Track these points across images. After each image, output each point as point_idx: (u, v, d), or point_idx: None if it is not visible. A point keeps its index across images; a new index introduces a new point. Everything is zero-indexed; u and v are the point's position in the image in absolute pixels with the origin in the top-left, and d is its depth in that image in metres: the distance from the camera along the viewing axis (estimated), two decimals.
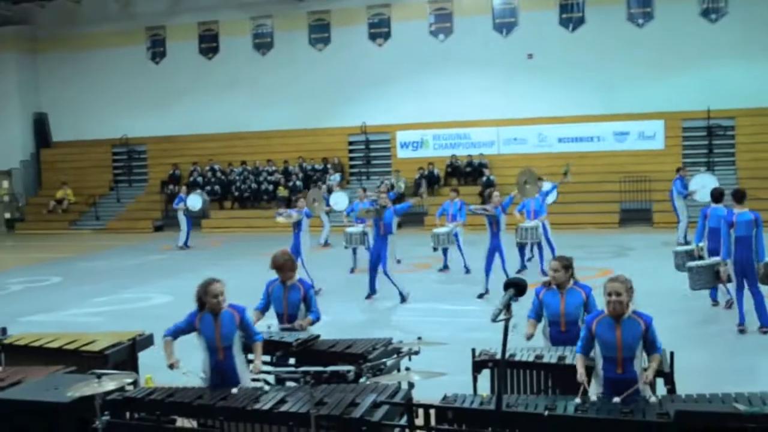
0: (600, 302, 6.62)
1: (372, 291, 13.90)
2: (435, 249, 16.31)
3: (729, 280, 10.68)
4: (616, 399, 5.49)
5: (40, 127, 32.65)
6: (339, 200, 20.58)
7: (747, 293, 10.41)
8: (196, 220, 23.89)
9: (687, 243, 13.16)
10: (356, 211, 16.44)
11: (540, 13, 26.48)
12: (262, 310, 7.85)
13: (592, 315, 6.11)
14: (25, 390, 6.20)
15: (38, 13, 31.91)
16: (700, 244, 11.75)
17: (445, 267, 16.73)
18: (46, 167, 32.57)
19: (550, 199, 19.23)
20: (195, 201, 22.33)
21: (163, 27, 30.79)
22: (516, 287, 4.07)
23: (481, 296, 13.61)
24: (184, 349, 6.70)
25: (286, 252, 7.97)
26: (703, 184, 18.59)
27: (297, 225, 14.73)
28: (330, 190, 22.32)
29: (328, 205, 19.41)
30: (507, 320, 3.94)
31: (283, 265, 7.70)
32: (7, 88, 31.66)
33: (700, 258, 11.50)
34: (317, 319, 7.72)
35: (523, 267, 16.08)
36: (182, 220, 22.47)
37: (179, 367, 6.43)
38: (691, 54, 24.80)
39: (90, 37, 31.22)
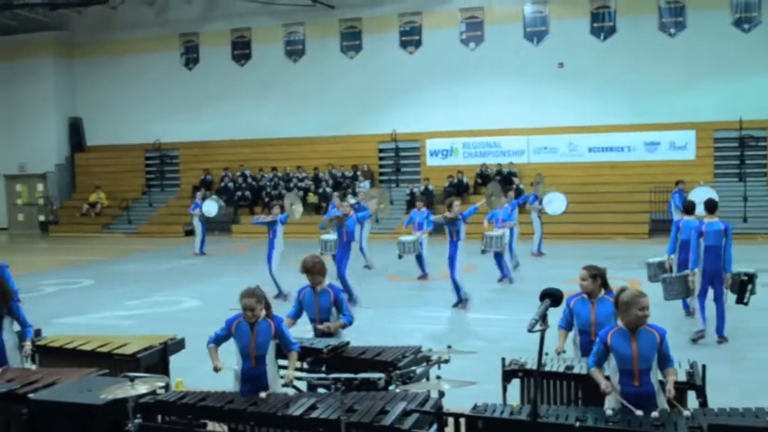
0: None
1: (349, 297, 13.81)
2: (400, 257, 16.45)
3: (695, 290, 10.73)
4: (639, 412, 5.43)
5: (75, 132, 33.08)
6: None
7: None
8: (220, 225, 24.01)
9: None
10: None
11: (571, 22, 26.42)
12: (294, 316, 7.85)
13: (606, 329, 6.02)
14: (59, 391, 6.25)
15: (75, 19, 32.35)
16: (672, 256, 11.79)
17: (424, 274, 16.92)
18: (81, 171, 32.97)
19: (560, 209, 19.23)
20: (211, 207, 22.19)
21: (197, 33, 31.08)
22: (552, 297, 4.07)
23: (455, 305, 13.68)
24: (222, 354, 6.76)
25: (316, 256, 7.97)
26: (701, 197, 18.35)
27: (272, 231, 14.87)
28: (343, 197, 22.26)
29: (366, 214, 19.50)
30: (543, 331, 3.94)
31: (312, 268, 7.69)
32: (44, 92, 32.12)
33: (671, 269, 11.62)
34: (350, 322, 7.69)
35: (504, 276, 16.30)
36: (197, 226, 22.48)
37: (222, 369, 6.50)
38: (723, 64, 24.61)
39: (125, 42, 31.61)
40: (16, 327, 7.55)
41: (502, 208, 16.13)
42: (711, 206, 10.81)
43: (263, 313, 6.51)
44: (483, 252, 16.17)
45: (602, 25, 26.15)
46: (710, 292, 10.60)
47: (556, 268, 17.19)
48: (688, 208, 11.70)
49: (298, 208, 16.02)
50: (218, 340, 6.63)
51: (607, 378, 5.79)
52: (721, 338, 10.48)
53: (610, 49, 26.01)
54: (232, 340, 6.60)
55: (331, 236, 16.16)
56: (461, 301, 13.69)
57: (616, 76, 25.50)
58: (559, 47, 26.44)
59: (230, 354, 6.67)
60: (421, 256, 16.80)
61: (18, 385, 6.45)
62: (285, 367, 6.94)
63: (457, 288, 13.66)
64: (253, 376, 6.44)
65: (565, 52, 26.35)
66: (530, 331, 4.04)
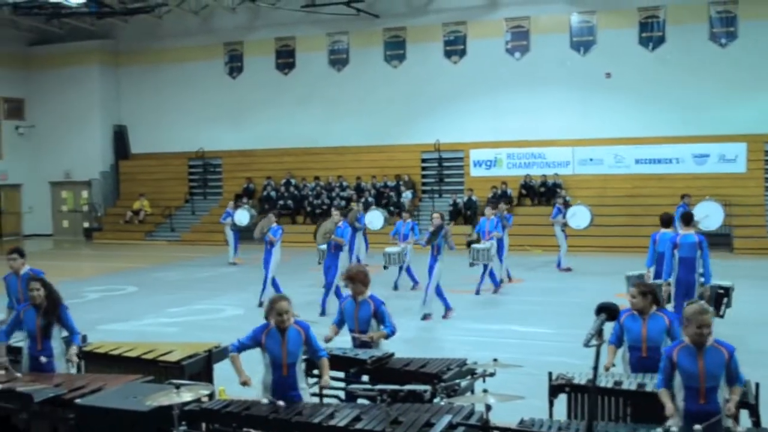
0: None
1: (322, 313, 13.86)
2: (385, 267, 16.49)
3: (669, 301, 10.75)
4: (698, 427, 5.26)
5: (120, 139, 33.45)
6: (374, 219, 20.44)
7: None
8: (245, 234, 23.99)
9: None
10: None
11: (619, 32, 26.10)
12: (338, 324, 7.83)
13: (672, 345, 5.90)
14: (105, 397, 6.27)
15: (121, 27, 32.77)
16: (651, 269, 11.88)
17: (416, 283, 16.86)
18: (125, 178, 33.33)
19: (584, 223, 18.98)
20: (242, 216, 22.02)
21: (241, 42, 31.29)
22: (608, 312, 3.95)
23: (444, 316, 13.78)
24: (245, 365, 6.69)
25: (361, 266, 7.92)
26: (707, 212, 18.11)
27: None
28: (366, 208, 22.24)
29: (362, 223, 19.58)
30: (598, 346, 3.83)
31: (355, 277, 7.64)
32: (90, 100, 32.57)
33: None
34: (392, 332, 7.61)
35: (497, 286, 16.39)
36: (229, 235, 22.35)
37: (251, 384, 6.42)
38: None
39: (170, 51, 31.95)
40: (64, 333, 7.58)
41: (489, 219, 16.34)
42: (686, 219, 11.06)
43: (292, 320, 6.48)
44: (471, 265, 16.26)
45: (651, 34, 25.78)
46: None
47: (599, 281, 16.97)
48: (665, 220, 11.76)
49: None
50: (241, 348, 6.55)
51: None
52: None
53: (659, 59, 25.63)
54: (251, 351, 6.54)
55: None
56: (448, 310, 13.87)
57: (665, 86, 25.10)
58: (607, 57, 26.11)
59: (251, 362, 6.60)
60: (408, 268, 16.95)
61: (65, 390, 6.50)
62: (317, 376, 6.88)
63: (442, 298, 13.80)
64: (284, 386, 6.38)
65: (612, 62, 26.02)
66: (586, 346, 3.92)
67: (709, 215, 18.05)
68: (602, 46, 26.34)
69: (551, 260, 20.46)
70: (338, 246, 14.60)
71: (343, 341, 7.86)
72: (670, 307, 10.74)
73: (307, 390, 6.63)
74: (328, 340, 7.54)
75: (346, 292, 8.51)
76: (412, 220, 17.47)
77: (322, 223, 15.60)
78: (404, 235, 16.82)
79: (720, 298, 10.92)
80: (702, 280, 10.82)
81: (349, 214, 18.31)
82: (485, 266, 16.12)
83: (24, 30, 32.74)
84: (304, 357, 6.72)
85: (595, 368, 3.91)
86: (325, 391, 6.95)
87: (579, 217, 19.19)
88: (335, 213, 15.25)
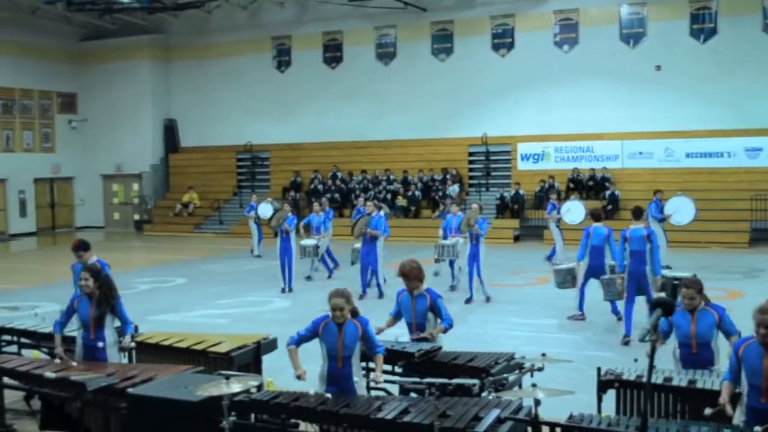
0: (741, 325, 6.37)
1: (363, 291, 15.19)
2: (437, 261, 16.45)
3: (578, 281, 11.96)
4: (758, 428, 5.18)
5: (170, 133, 33.89)
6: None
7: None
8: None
9: (668, 267, 12.88)
10: (313, 225, 18.01)
11: (669, 24, 25.70)
12: (396, 316, 7.87)
13: (741, 340, 5.80)
14: (156, 387, 6.36)
15: (171, 22, 33.16)
16: (581, 262, 12.71)
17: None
18: (174, 171, 33.76)
19: (579, 219, 18.91)
20: (266, 210, 22.00)
21: (289, 36, 31.45)
22: (664, 306, 3.89)
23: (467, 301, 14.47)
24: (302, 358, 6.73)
25: (414, 261, 7.91)
26: (678, 207, 18.19)
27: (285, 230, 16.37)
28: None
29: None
30: (654, 341, 3.78)
31: (409, 273, 7.64)
32: (141, 94, 33.05)
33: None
34: (449, 326, 7.61)
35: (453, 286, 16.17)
36: (253, 228, 22.48)
37: (306, 379, 6.47)
38: None
39: (219, 46, 32.24)
40: (117, 323, 7.71)
41: (456, 216, 16.11)
42: (637, 213, 11.66)
43: (350, 314, 6.51)
44: (436, 261, 16.21)
45: (702, 26, 25.33)
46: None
47: None
48: (636, 213, 11.90)
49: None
50: (300, 341, 6.59)
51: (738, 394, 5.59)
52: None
53: (711, 51, 25.18)
54: (310, 343, 6.58)
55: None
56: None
57: (717, 79, 24.65)
58: (657, 49, 25.72)
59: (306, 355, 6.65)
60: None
61: (117, 379, 6.60)
62: (372, 370, 6.91)
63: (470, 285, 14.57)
64: (338, 377, 6.42)
65: (662, 55, 25.62)
66: (641, 340, 3.89)
67: (680, 210, 18.18)
68: (652, 39, 25.95)
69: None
70: (373, 237, 15.29)
71: (392, 333, 7.86)
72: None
73: (360, 383, 6.66)
74: (380, 331, 7.57)
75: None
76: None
77: (358, 221, 15.99)
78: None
79: (675, 289, 10.96)
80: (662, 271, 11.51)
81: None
82: (452, 262, 16.01)
83: (77, 26, 33.31)
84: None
85: (650, 364, 3.86)
86: (380, 385, 6.96)
87: (574, 212, 19.02)
88: (369, 204, 16.44)
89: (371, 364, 7.11)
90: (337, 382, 6.40)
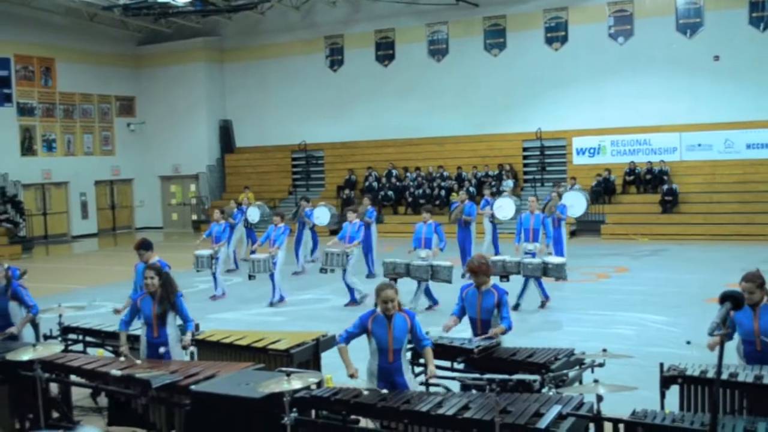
0: None
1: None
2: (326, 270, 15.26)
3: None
4: None
5: (225, 134, 34.28)
6: (321, 215, 20.45)
7: None
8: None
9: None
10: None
11: (727, 12, 25.13)
12: (459, 315, 7.79)
13: None
14: (219, 384, 6.46)
15: (225, 24, 33.52)
16: (518, 245, 14.23)
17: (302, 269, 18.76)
18: (230, 171, 34.12)
19: (509, 215, 18.83)
20: (254, 213, 21.84)
21: (342, 35, 31.57)
22: (733, 300, 3.81)
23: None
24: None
25: (482, 256, 7.91)
26: (572, 201, 18.80)
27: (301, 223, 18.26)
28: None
29: (310, 219, 19.92)
30: (723, 335, 3.71)
31: (478, 269, 7.61)
32: (197, 96, 33.48)
33: None
34: (509, 327, 7.56)
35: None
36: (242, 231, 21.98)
37: (359, 377, 6.50)
38: None
39: (272, 46, 32.51)
40: (179, 321, 7.84)
41: (352, 223, 15.20)
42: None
43: (397, 307, 6.52)
44: (321, 270, 15.34)
45: (762, 14, 24.70)
46: None
47: (707, 270, 16.56)
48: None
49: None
50: (349, 338, 6.64)
51: None
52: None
53: None
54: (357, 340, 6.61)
55: (205, 251, 16.40)
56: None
57: None
58: (715, 39, 25.18)
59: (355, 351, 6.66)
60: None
61: (181, 376, 6.71)
62: (422, 365, 6.90)
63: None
64: (389, 372, 6.45)
65: (721, 45, 25.07)
66: (710, 335, 3.83)
67: (574, 204, 18.86)
68: (710, 28, 25.42)
69: (658, 248, 20.09)
70: (467, 222, 17.12)
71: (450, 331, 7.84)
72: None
73: (413, 380, 6.67)
74: (447, 329, 7.58)
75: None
76: (285, 225, 15.64)
77: (455, 209, 17.72)
78: (273, 240, 15.22)
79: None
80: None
81: (358, 208, 17.76)
82: (344, 271, 14.76)
83: (133, 30, 33.89)
84: (409, 346, 6.77)
85: (720, 359, 3.79)
86: (433, 380, 6.95)
87: (505, 209, 18.87)
88: (461, 193, 18.14)
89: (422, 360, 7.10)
90: (388, 376, 6.43)
